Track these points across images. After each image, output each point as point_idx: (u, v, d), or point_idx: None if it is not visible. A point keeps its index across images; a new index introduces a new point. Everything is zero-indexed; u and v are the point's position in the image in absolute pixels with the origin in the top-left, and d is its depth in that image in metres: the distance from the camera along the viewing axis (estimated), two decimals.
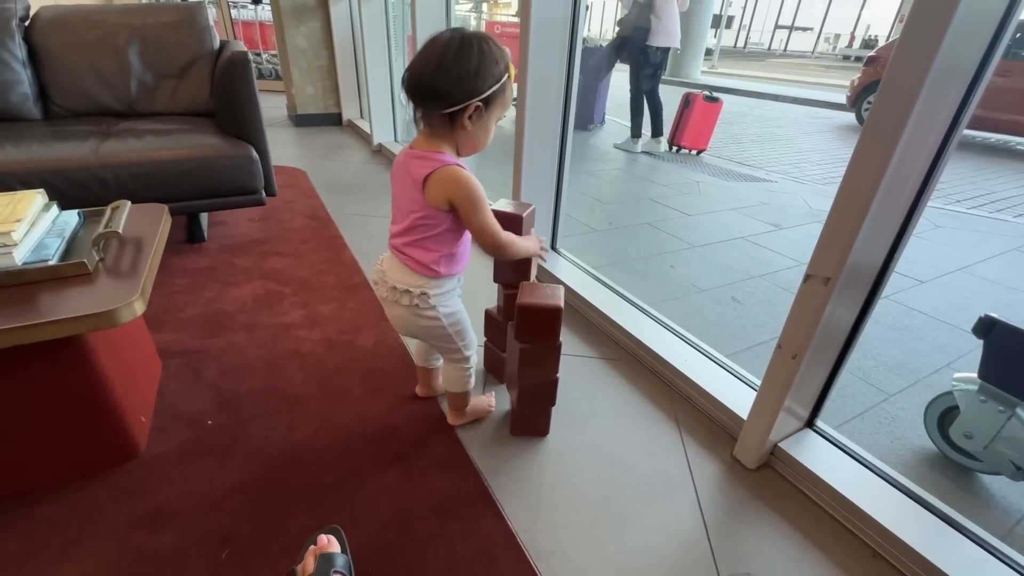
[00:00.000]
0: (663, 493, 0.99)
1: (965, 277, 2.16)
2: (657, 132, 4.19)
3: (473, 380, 1.06)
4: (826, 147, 4.86)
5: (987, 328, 1.04)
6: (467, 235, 0.91)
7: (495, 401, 1.17)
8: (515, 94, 0.91)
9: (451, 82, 0.76)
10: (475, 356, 1.03)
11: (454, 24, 2.47)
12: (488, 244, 0.87)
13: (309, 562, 0.74)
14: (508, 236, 0.90)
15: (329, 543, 0.78)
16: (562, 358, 1.02)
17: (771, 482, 1.02)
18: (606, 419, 1.16)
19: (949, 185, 3.56)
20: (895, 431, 1.26)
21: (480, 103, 0.79)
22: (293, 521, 0.89)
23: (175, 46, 1.98)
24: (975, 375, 1.09)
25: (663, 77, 4.15)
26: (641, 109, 4.11)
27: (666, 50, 3.91)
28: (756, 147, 4.66)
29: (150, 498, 0.92)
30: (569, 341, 1.42)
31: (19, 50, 1.81)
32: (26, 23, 1.87)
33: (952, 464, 1.15)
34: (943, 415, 1.15)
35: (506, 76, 0.81)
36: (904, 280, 2.07)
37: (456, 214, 0.84)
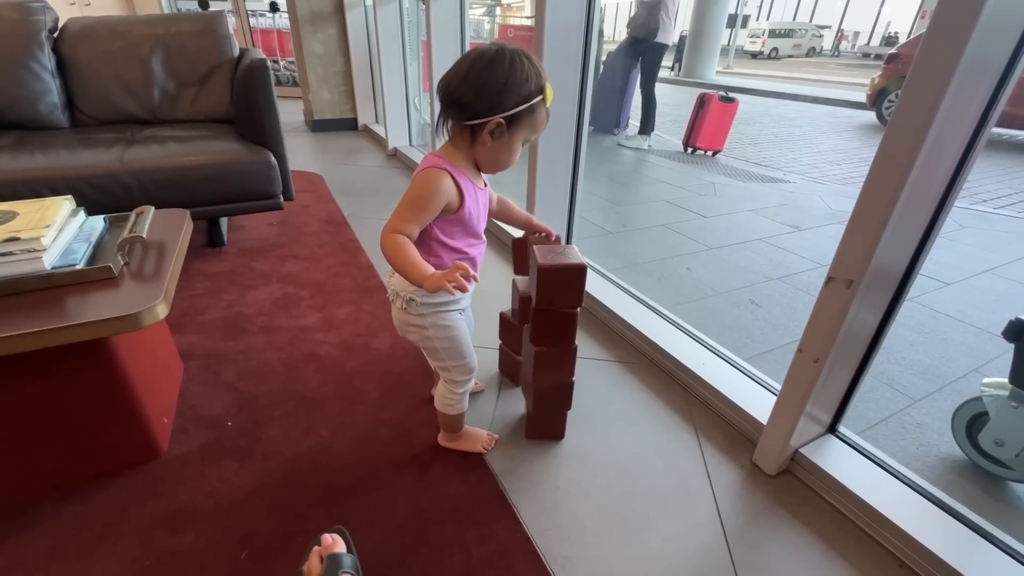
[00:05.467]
0: (681, 499, 0.97)
1: (993, 279, 2.10)
2: (648, 129, 4.28)
3: (463, 406, 0.99)
4: (846, 147, 4.77)
5: (1018, 332, 1.01)
6: (463, 251, 0.86)
7: (495, 442, 1.07)
8: (548, 119, 0.82)
9: (474, 93, 0.74)
10: (469, 384, 0.97)
11: (467, 28, 2.47)
12: (382, 235, 0.78)
13: (315, 563, 0.74)
14: (392, 241, 0.76)
15: (334, 543, 0.77)
16: (578, 361, 1.01)
17: (792, 488, 1.00)
18: (622, 423, 1.15)
19: (975, 184, 3.47)
20: (921, 437, 1.22)
21: (502, 120, 0.75)
22: (311, 523, 0.89)
23: (196, 55, 2.03)
24: (1006, 380, 1.06)
25: (679, 78, 4.30)
26: (654, 107, 4.20)
27: (667, 45, 4.07)
28: (774, 147, 4.60)
29: (172, 498, 0.93)
30: (584, 344, 1.42)
31: (48, 61, 1.87)
32: (55, 35, 1.93)
33: (982, 472, 1.11)
34: (972, 421, 1.11)
35: (539, 98, 0.77)
36: (929, 282, 2.01)
37: (436, 220, 0.80)
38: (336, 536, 0.79)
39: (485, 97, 0.74)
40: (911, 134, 0.70)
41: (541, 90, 0.77)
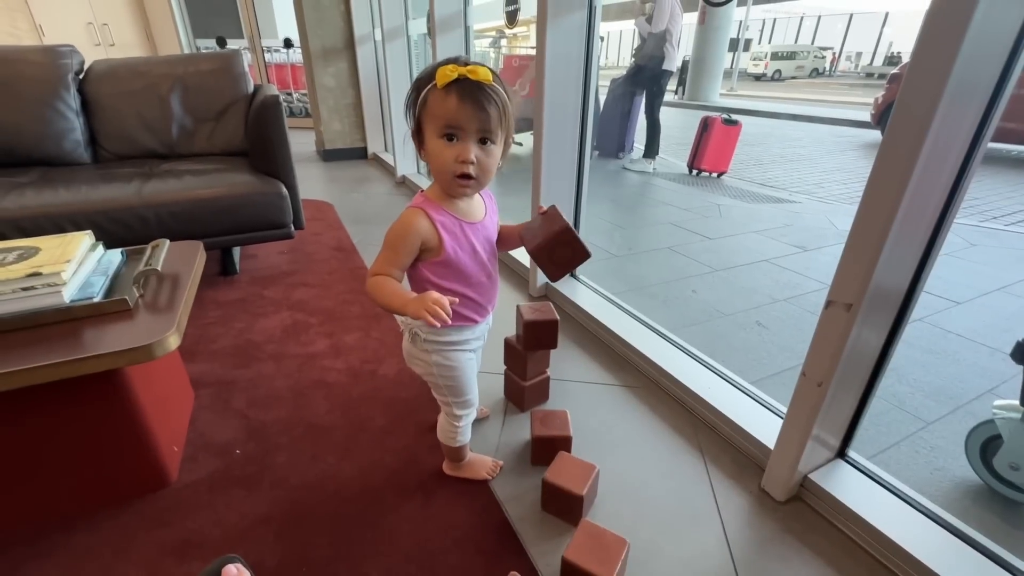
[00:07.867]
0: (688, 526, 0.96)
1: (1005, 297, 2.07)
2: (653, 153, 4.34)
3: (464, 438, 1.00)
4: (851, 166, 4.78)
5: None
6: (460, 292, 0.81)
7: (500, 469, 1.07)
8: (448, 104, 0.71)
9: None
10: (468, 417, 0.98)
11: (473, 60, 2.55)
12: (366, 282, 0.79)
13: None
14: (373, 282, 0.76)
15: (239, 573, 0.68)
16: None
17: (802, 515, 0.98)
18: (628, 449, 1.15)
19: (984, 201, 3.44)
20: (934, 461, 1.20)
21: (414, 124, 0.77)
22: (316, 552, 0.89)
23: (213, 92, 2.12)
24: (1017, 402, 1.04)
25: (683, 101, 4.39)
26: (658, 131, 4.29)
27: (671, 72, 4.19)
28: (779, 168, 4.62)
29: (180, 527, 0.94)
30: (589, 368, 1.42)
31: (73, 101, 1.96)
32: (80, 76, 2.03)
33: (998, 497, 1.08)
34: (985, 444, 1.09)
35: (428, 87, 0.72)
36: (939, 301, 1.99)
37: (419, 259, 0.79)
38: (239, 565, 0.68)
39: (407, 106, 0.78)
40: (905, 154, 0.71)
41: (427, 77, 0.73)
